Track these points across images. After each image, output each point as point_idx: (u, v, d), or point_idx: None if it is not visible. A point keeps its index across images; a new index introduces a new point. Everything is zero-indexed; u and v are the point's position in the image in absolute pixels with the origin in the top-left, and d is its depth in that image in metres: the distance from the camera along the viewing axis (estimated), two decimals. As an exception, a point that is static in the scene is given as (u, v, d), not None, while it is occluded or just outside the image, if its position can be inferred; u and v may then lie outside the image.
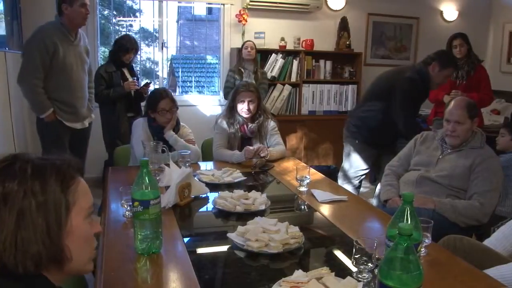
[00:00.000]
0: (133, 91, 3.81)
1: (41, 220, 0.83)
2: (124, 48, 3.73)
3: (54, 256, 0.85)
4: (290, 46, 4.88)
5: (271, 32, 4.85)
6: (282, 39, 4.83)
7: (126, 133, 3.64)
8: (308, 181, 2.21)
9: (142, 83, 4.06)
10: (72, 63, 3.01)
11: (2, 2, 3.70)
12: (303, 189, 2.20)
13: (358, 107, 3.43)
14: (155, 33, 5.09)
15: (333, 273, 1.26)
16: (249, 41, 4.38)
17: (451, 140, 2.33)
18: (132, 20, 5.47)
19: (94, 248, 0.96)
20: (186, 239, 1.60)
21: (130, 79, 3.80)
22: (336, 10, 5.12)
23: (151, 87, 3.97)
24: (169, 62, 7.22)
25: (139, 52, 4.20)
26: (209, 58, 6.68)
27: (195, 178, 2.18)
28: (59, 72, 2.95)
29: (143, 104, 3.78)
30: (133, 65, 4.02)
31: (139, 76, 4.11)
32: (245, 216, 1.78)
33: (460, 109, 2.27)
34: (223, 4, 4.80)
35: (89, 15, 3.05)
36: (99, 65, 4.19)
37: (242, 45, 4.35)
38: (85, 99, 3.22)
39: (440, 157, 2.38)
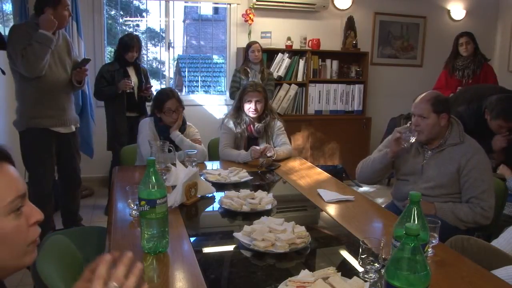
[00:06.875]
0: (135, 92, 3.75)
1: None
2: (126, 46, 3.67)
3: None
4: (296, 46, 4.88)
5: (277, 31, 4.85)
6: (289, 38, 4.82)
7: (125, 134, 3.66)
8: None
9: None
10: (50, 63, 2.83)
11: (10, 2, 3.73)
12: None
13: None
14: (161, 33, 5.11)
15: (340, 273, 1.26)
16: (255, 43, 4.30)
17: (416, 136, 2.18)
18: (138, 20, 5.48)
19: (25, 240, 0.83)
20: (192, 239, 1.60)
21: (134, 78, 3.76)
22: (342, 10, 5.11)
23: (160, 87, 3.91)
24: (175, 62, 7.23)
25: (145, 52, 4.16)
26: (216, 58, 6.68)
27: (202, 177, 2.19)
28: None
29: (148, 104, 3.78)
30: (140, 63, 3.90)
31: (148, 75, 4.02)
32: (252, 216, 1.78)
33: (423, 103, 2.15)
34: (230, 4, 4.80)
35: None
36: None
37: (248, 47, 4.29)
38: (69, 102, 3.03)
39: (424, 162, 2.23)
